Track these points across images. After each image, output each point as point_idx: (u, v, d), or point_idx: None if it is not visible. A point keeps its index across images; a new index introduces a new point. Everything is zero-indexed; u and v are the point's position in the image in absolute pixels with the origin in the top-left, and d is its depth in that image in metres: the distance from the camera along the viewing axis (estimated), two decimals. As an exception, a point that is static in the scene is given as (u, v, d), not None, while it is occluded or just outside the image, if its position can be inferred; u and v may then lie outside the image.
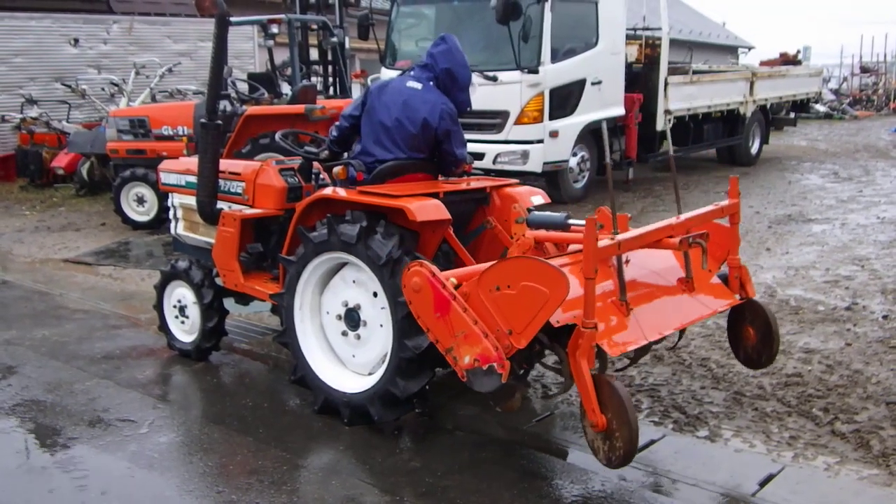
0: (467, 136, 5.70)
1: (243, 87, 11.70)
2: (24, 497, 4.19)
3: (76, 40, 16.33)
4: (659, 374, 5.66)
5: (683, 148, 15.57)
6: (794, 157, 18.88)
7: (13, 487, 4.29)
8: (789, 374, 5.61)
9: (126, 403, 5.36)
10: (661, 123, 13.78)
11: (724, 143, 16.61)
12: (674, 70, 14.63)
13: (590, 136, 12.65)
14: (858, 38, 63.49)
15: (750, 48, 44.66)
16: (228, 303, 6.05)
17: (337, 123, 5.51)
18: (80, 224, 11.76)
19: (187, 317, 6.05)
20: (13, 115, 15.25)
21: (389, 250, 4.49)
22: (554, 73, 11.70)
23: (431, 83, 5.28)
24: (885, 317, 6.75)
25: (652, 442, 4.68)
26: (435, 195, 4.79)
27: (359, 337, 4.89)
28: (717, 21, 44.70)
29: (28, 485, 4.31)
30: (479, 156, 11.20)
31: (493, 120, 11.68)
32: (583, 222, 4.80)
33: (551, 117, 11.76)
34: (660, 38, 14.07)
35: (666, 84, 13.78)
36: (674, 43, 15.21)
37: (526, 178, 9.23)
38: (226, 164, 5.92)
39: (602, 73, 12.47)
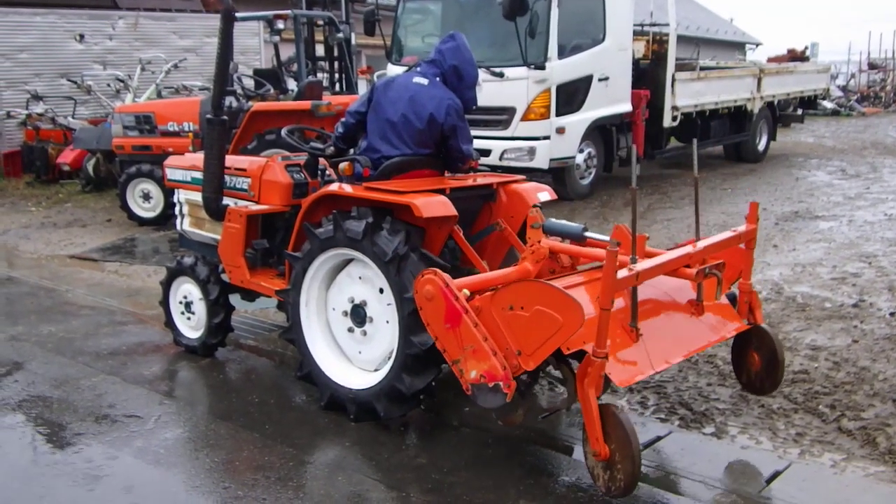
0: (473, 132, 5.68)
1: (249, 83, 11.71)
2: (30, 492, 4.19)
3: (81, 36, 16.33)
4: (665, 370, 5.64)
5: (690, 144, 15.52)
6: (801, 153, 18.83)
7: (20, 482, 4.30)
8: (796, 370, 5.60)
9: (132, 399, 5.37)
10: (668, 120, 13.77)
11: (731, 139, 16.57)
12: (681, 66, 14.58)
13: (597, 132, 12.63)
14: (866, 35, 63.41)
15: (757, 45, 44.57)
16: (234, 299, 6.05)
17: (343, 120, 5.49)
18: (86, 220, 11.78)
19: (193, 313, 6.06)
20: (19, 111, 15.28)
21: (395, 246, 4.49)
22: (561, 70, 11.67)
23: (438, 79, 5.27)
24: (892, 314, 6.72)
25: (658, 438, 4.68)
26: (441, 191, 4.78)
27: (365, 333, 4.89)
28: (724, 17, 44.64)
29: (34, 480, 4.32)
30: (486, 152, 11.18)
31: (500, 116, 11.66)
32: (598, 236, 4.79)
33: (558, 114, 11.73)
34: (667, 35, 14.02)
35: (673, 80, 13.74)
36: (681, 39, 15.19)
37: (532, 174, 9.23)
38: (231, 161, 5.92)
39: (609, 69, 12.43)
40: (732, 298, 4.76)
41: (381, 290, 4.70)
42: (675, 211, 11.68)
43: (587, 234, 4.83)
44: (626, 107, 13.02)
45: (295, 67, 12.13)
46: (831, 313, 6.80)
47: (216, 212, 5.83)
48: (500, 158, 11.55)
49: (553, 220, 5.00)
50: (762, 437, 4.68)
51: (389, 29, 13.23)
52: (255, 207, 5.65)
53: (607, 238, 4.68)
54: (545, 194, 5.38)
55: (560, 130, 11.76)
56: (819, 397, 5.18)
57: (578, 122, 12.10)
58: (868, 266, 8.34)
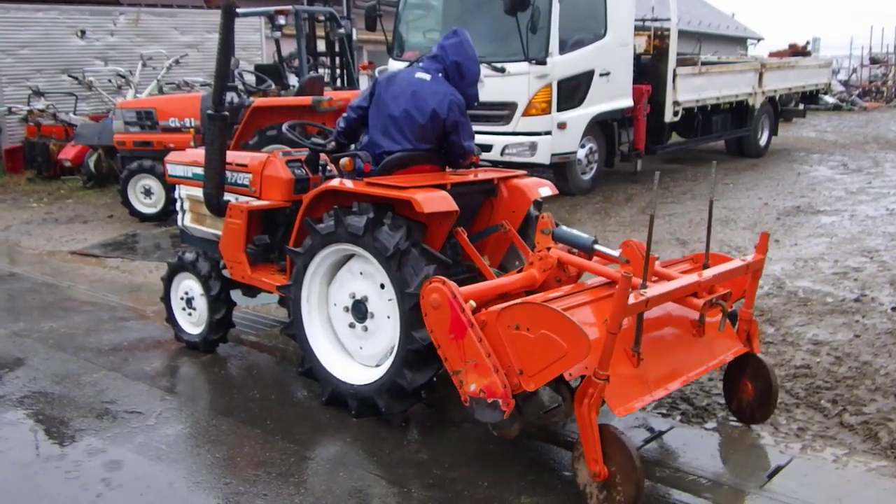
0: (475, 127, 5.67)
1: (250, 78, 11.70)
2: (32, 488, 4.20)
3: (83, 32, 16.32)
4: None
5: (692, 139, 15.53)
6: (802, 148, 18.81)
7: (21, 478, 4.30)
8: (797, 365, 5.59)
9: (133, 395, 5.37)
10: (670, 115, 13.75)
11: (732, 134, 16.54)
12: (682, 61, 14.55)
13: (598, 127, 12.61)
14: (868, 30, 63.10)
15: (759, 39, 44.50)
16: (235, 295, 6.05)
17: (344, 115, 5.48)
18: (88, 216, 11.78)
19: (194, 309, 6.06)
20: (20, 107, 15.28)
21: (397, 242, 4.48)
22: (562, 65, 11.65)
23: (440, 75, 5.27)
24: (893, 308, 6.71)
25: (660, 433, 4.68)
26: (442, 186, 4.78)
27: (366, 329, 4.89)
28: (726, 12, 44.56)
29: (36, 476, 4.33)
30: (487, 148, 11.18)
31: (501, 112, 11.65)
32: (607, 250, 4.75)
33: (559, 109, 11.71)
34: (668, 30, 13.99)
35: (675, 75, 13.72)
36: (682, 34, 15.15)
37: (534, 169, 9.22)
38: (233, 156, 5.91)
39: (610, 64, 12.41)
40: (733, 317, 4.70)
41: (382, 286, 4.69)
42: (677, 206, 11.67)
43: (597, 246, 4.76)
44: (628, 102, 13.00)
45: (296, 63, 12.13)
46: (833, 308, 6.80)
47: (217, 207, 5.82)
48: (502, 154, 11.54)
49: (564, 227, 4.93)
50: (764, 432, 4.67)
51: (391, 24, 13.21)
52: (256, 203, 5.64)
53: (616, 253, 4.65)
54: (546, 189, 5.37)
55: (561, 126, 11.75)
56: (821, 392, 5.18)
57: (580, 117, 12.08)
58: (870, 261, 8.33)
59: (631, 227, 10.13)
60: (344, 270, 4.97)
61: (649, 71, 13.81)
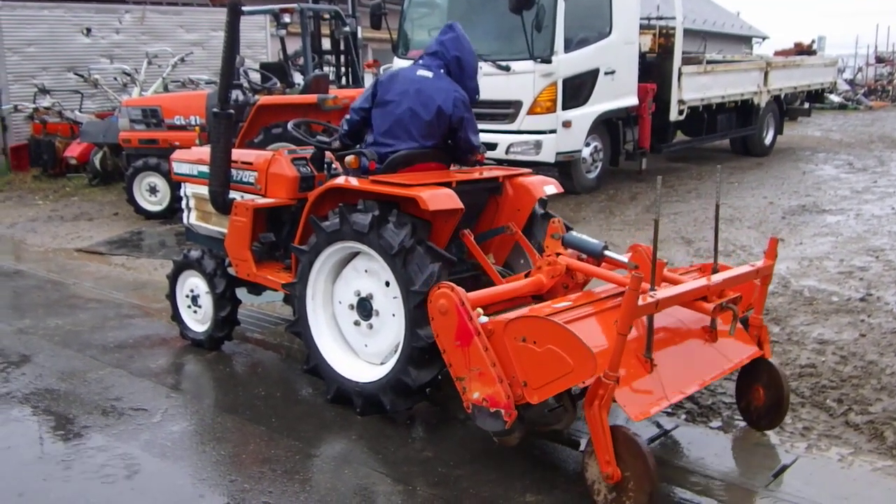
0: (479, 126, 5.67)
1: (255, 76, 11.69)
2: (38, 485, 4.21)
3: (88, 30, 16.36)
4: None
5: (697, 138, 15.51)
6: (808, 147, 18.77)
7: (27, 475, 4.31)
8: (803, 364, 5.59)
9: (139, 392, 5.38)
10: (675, 113, 13.73)
11: (738, 133, 16.51)
12: (688, 60, 14.54)
13: (603, 126, 12.60)
14: (874, 28, 62.89)
15: (764, 38, 44.41)
16: (241, 292, 6.05)
17: (347, 117, 5.46)
18: (93, 214, 11.80)
19: (200, 306, 6.07)
20: (26, 104, 15.31)
21: (402, 239, 4.48)
22: (567, 63, 11.63)
23: (442, 71, 5.27)
24: (900, 308, 6.71)
25: (666, 432, 4.68)
26: (447, 184, 4.77)
27: (371, 326, 4.89)
28: (731, 11, 44.46)
29: (41, 472, 4.33)
30: (492, 146, 11.16)
31: (506, 110, 11.63)
32: (617, 256, 4.74)
33: (564, 107, 11.69)
34: (674, 28, 13.98)
35: (680, 74, 13.69)
36: (688, 33, 15.13)
37: (539, 168, 9.20)
38: (238, 154, 5.91)
39: (615, 62, 12.39)
40: (744, 323, 4.64)
41: (388, 284, 4.69)
42: (682, 205, 11.66)
43: (607, 252, 4.73)
44: (633, 100, 12.98)
45: (301, 61, 12.11)
46: (838, 307, 6.78)
47: (223, 205, 5.83)
48: (507, 152, 11.52)
49: (574, 233, 4.92)
50: (769, 431, 4.66)
51: (396, 23, 13.21)
52: (261, 201, 5.65)
53: (625, 259, 4.64)
54: (551, 187, 5.37)
55: (566, 124, 11.73)
56: (826, 391, 5.17)
57: (585, 115, 12.06)
58: (875, 260, 8.31)
59: (636, 225, 10.12)
60: (349, 268, 4.97)
61: (654, 69, 13.79)
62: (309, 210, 5.09)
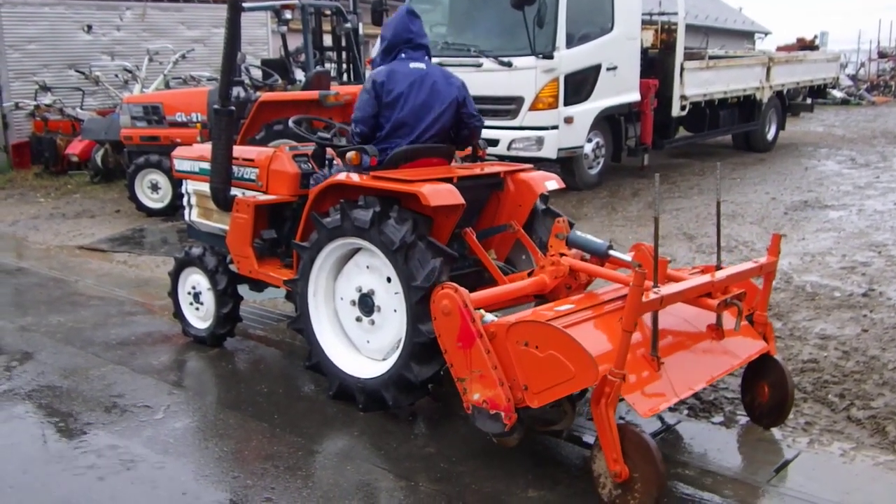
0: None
1: (257, 73, 11.70)
2: (40, 482, 4.21)
3: (89, 27, 16.34)
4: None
5: (699, 134, 15.49)
6: (810, 143, 18.75)
7: (30, 472, 4.31)
8: (805, 360, 5.58)
9: (141, 389, 5.38)
10: (677, 109, 13.72)
11: (740, 128, 16.50)
12: (690, 55, 14.51)
13: (605, 122, 12.59)
14: (876, 24, 62.88)
15: (767, 33, 44.36)
16: (243, 289, 6.05)
17: (356, 130, 5.24)
18: (95, 211, 11.80)
19: (202, 303, 6.07)
20: (27, 102, 15.30)
21: (403, 235, 4.48)
22: (569, 59, 11.61)
23: (426, 58, 5.30)
24: (902, 303, 6.70)
25: (667, 427, 4.68)
26: (449, 180, 4.77)
27: (373, 322, 4.89)
28: (733, 6, 44.42)
29: (44, 470, 4.34)
30: (494, 142, 11.13)
31: (508, 106, 11.62)
32: (621, 255, 4.73)
33: (566, 103, 11.68)
34: (676, 24, 13.96)
35: (682, 69, 13.67)
36: (690, 28, 15.13)
37: (540, 164, 9.20)
38: (239, 151, 5.91)
39: (617, 58, 12.37)
40: (749, 318, 4.61)
41: (389, 280, 4.69)
42: (684, 200, 11.65)
43: (611, 252, 4.71)
44: (635, 96, 12.97)
45: (302, 57, 12.09)
46: (841, 302, 6.78)
47: (224, 202, 5.83)
48: (508, 148, 11.51)
49: (578, 233, 4.91)
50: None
51: (397, 19, 13.17)
52: (262, 198, 5.65)
53: (630, 258, 4.63)
54: (553, 183, 5.36)
55: (568, 120, 11.72)
56: (828, 387, 5.17)
57: (587, 111, 12.05)
58: (878, 255, 8.31)
59: (637, 221, 10.11)
60: (350, 264, 4.97)
61: (657, 65, 13.78)
62: (310, 206, 5.08)
